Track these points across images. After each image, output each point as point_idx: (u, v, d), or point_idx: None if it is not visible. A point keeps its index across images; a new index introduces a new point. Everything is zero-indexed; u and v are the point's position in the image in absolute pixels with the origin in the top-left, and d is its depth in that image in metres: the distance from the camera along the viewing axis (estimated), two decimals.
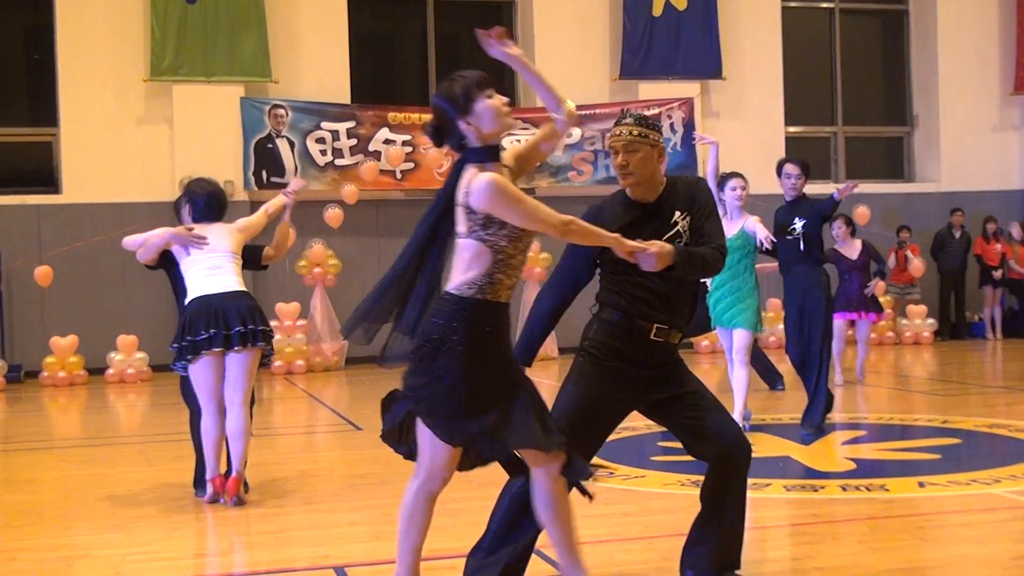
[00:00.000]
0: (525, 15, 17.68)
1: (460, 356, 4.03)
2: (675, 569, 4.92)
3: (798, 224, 8.80)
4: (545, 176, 17.01)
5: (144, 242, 6.90)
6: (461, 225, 4.09)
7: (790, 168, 9.00)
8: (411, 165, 16.53)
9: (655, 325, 4.49)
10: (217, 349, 6.73)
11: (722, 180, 9.10)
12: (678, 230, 4.48)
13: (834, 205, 8.89)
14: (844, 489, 6.75)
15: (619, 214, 4.55)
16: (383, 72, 18.41)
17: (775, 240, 8.81)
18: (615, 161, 4.53)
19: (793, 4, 19.06)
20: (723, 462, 4.50)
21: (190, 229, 6.89)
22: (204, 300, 6.78)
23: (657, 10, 17.52)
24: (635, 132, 4.51)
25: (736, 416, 8.50)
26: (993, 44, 19.38)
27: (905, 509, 6.24)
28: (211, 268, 6.86)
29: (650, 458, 7.82)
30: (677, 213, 4.51)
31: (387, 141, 16.49)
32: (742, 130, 17.73)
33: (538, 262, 16.08)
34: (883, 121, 19.93)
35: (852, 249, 12.07)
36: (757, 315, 8.95)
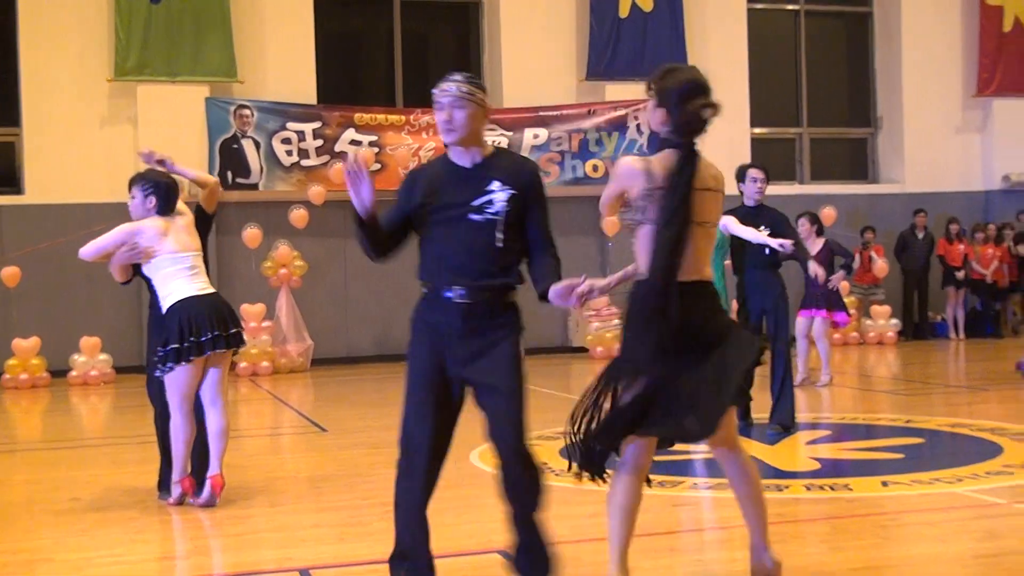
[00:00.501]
0: (491, 16, 17.68)
1: None
2: (644, 568, 4.94)
3: (764, 231, 8.81)
4: None
5: (101, 249, 6.82)
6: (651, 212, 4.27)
7: (756, 173, 9.01)
8: (378, 166, 16.50)
9: (455, 289, 4.36)
10: (220, 351, 6.75)
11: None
12: (491, 199, 4.39)
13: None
14: (808, 489, 6.78)
15: (434, 175, 4.51)
16: (349, 72, 18.37)
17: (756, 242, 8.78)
18: (439, 116, 4.46)
19: (759, 6, 19.15)
20: (501, 473, 4.40)
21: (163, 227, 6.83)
22: (195, 301, 6.74)
23: (623, 11, 17.56)
24: (464, 88, 4.46)
25: None
26: (956, 47, 19.54)
27: (868, 508, 6.28)
28: (189, 269, 6.83)
29: (616, 460, 7.81)
30: (497, 183, 4.42)
31: (353, 142, 16.46)
32: (708, 131, 17.75)
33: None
34: (847, 123, 20.05)
35: (815, 246, 12.13)
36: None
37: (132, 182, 7.03)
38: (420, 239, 4.53)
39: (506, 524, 4.45)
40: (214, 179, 7.56)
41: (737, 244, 8.90)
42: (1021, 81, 19.41)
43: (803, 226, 12.13)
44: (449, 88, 4.46)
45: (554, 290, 4.31)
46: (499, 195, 4.41)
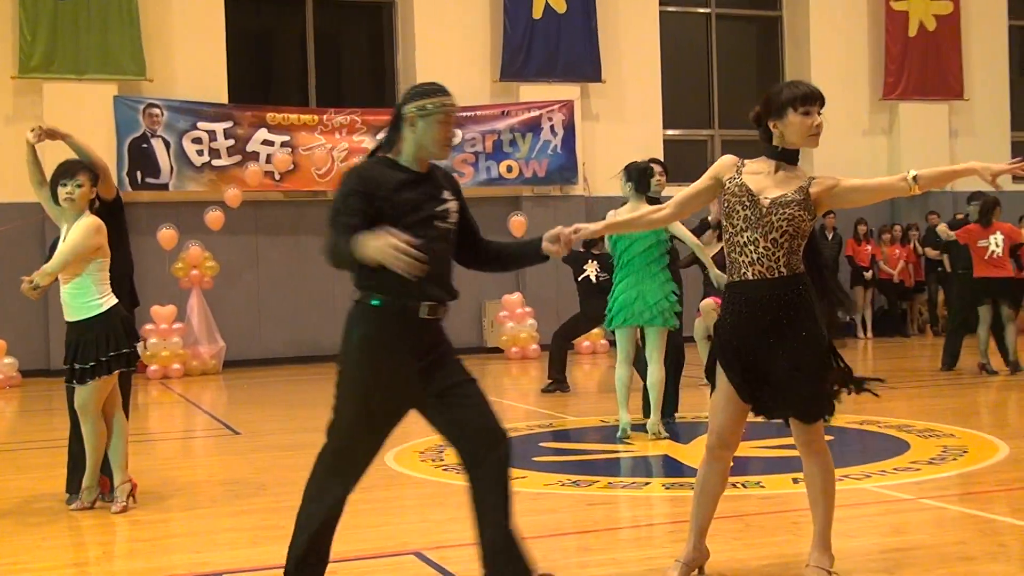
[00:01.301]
0: (405, 15, 17.62)
1: None
2: (557, 568, 4.96)
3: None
4: None
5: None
6: None
7: (655, 168, 9.14)
8: (291, 167, 16.36)
9: (424, 304, 4.27)
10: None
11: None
12: (447, 208, 4.38)
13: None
14: None
15: (393, 176, 4.30)
16: (261, 72, 18.21)
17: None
18: (443, 131, 4.32)
19: (671, 9, 19.33)
20: (482, 464, 4.36)
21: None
22: (120, 308, 6.66)
23: (537, 12, 17.62)
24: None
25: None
26: (863, 51, 19.90)
27: (780, 505, 6.36)
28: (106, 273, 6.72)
29: (532, 459, 7.85)
30: (447, 192, 4.42)
31: (265, 142, 16.31)
32: (621, 133, 17.92)
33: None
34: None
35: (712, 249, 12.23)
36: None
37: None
38: None
39: (480, 522, 4.37)
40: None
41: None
42: (926, 85, 19.84)
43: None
44: (455, 105, 4.39)
45: (548, 235, 4.47)
46: (451, 204, 4.42)
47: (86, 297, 6.52)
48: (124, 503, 6.63)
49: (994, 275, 12.50)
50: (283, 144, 16.35)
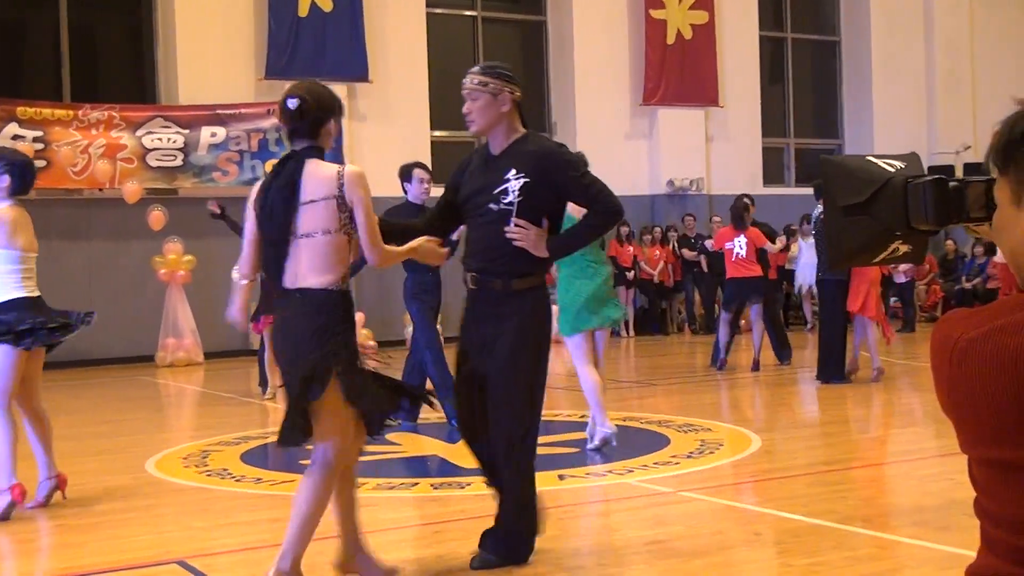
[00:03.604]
0: (166, 11, 17.08)
1: None
2: (324, 572, 4.90)
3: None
4: (189, 176, 16.53)
5: None
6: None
7: (421, 173, 9.10)
8: (43, 163, 15.62)
9: (470, 273, 4.74)
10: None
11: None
12: (506, 188, 4.56)
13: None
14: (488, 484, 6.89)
15: (471, 163, 4.85)
16: (11, 64, 17.36)
17: None
18: (463, 108, 4.75)
19: (438, 11, 19.41)
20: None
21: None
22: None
23: (303, 10, 17.39)
24: (475, 80, 4.71)
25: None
26: (624, 57, 20.42)
27: (547, 502, 6.45)
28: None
29: (300, 462, 7.74)
30: (512, 171, 4.59)
31: (16, 137, 15.54)
32: (389, 134, 17.88)
33: (181, 264, 15.61)
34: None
35: None
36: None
37: None
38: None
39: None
40: None
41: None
42: (683, 92, 20.51)
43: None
44: (465, 81, 4.70)
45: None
46: (514, 183, 4.59)
47: None
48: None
49: (741, 275, 12.94)
50: (35, 139, 15.62)
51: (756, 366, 12.91)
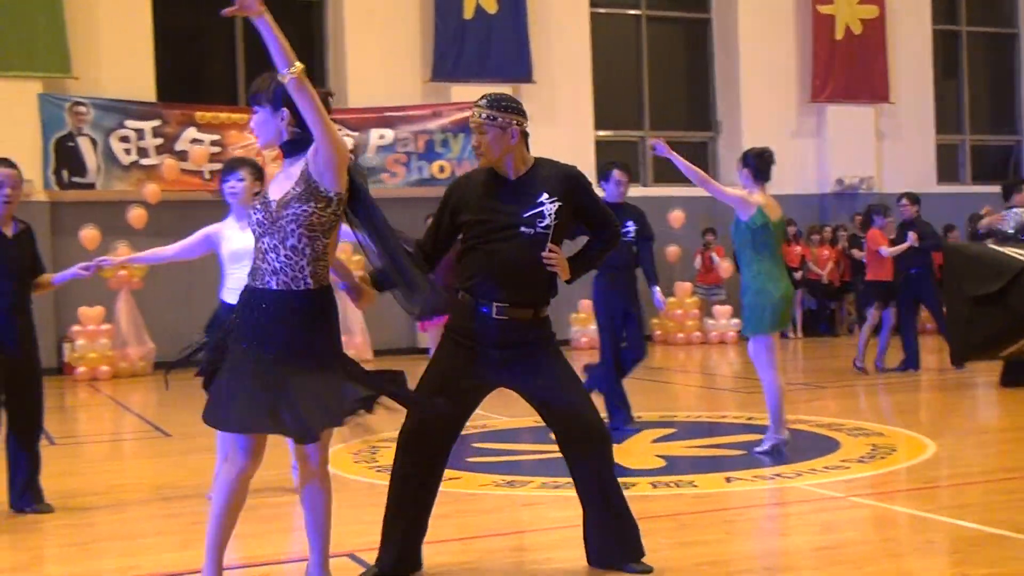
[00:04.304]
0: (336, 15, 17.49)
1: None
2: (492, 570, 4.94)
3: (631, 227, 8.93)
4: None
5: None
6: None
7: (619, 175, 9.10)
8: (219, 165, 16.13)
9: (495, 304, 4.66)
10: None
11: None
12: (542, 211, 4.66)
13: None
14: (654, 486, 6.87)
15: (483, 186, 4.78)
16: (190, 69, 17.99)
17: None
18: (472, 140, 4.81)
19: (602, 10, 19.40)
20: (577, 446, 4.84)
21: None
22: None
23: (468, 13, 17.59)
24: (483, 115, 4.72)
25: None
26: (791, 54, 20.10)
27: (713, 504, 6.40)
28: None
29: (465, 459, 7.83)
30: (545, 195, 4.69)
31: (195, 140, 16.11)
32: (552, 134, 17.87)
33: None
34: (688, 126, 20.44)
35: None
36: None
37: None
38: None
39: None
40: None
41: None
42: (852, 88, 20.08)
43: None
44: (472, 115, 4.75)
45: None
46: (549, 206, 4.70)
47: None
48: None
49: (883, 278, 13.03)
50: (212, 143, 16.16)
51: (899, 366, 12.94)
